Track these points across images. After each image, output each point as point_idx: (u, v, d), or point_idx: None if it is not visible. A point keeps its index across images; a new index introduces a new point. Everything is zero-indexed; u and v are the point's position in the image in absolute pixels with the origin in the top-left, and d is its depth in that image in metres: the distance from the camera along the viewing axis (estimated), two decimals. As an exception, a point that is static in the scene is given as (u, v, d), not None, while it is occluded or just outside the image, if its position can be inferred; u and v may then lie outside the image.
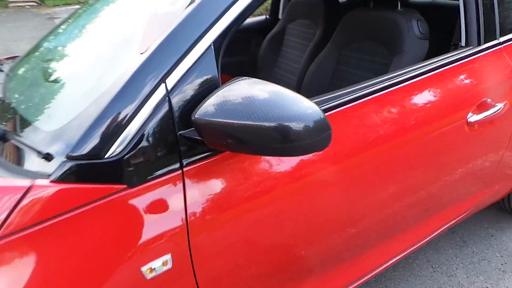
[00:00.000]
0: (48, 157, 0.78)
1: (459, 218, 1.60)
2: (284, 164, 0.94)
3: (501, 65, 1.41)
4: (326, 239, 1.13)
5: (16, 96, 1.06)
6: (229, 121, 0.75)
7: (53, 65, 1.11)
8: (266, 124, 0.73)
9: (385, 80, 1.15)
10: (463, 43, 1.40)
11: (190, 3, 0.88)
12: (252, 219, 0.93)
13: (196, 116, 0.78)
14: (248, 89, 0.77)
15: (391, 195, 1.24)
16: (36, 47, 1.36)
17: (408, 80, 1.20)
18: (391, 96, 1.15)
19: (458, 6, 1.40)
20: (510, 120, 1.45)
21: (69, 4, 16.49)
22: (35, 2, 17.10)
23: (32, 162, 0.80)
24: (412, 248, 1.45)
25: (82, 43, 1.16)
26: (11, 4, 16.83)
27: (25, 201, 0.72)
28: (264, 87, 0.78)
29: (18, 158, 0.82)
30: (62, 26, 1.41)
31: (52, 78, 1.04)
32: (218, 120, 0.76)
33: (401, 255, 1.41)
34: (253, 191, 0.91)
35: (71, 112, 0.83)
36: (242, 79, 0.80)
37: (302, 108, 0.74)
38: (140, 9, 1.08)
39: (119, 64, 0.89)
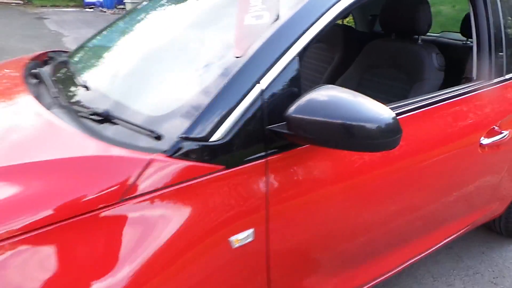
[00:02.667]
0: (159, 136, 0.91)
1: (460, 232, 1.79)
2: (354, 159, 1.11)
3: (506, 98, 1.64)
4: (377, 228, 1.29)
5: (118, 82, 1.18)
6: (315, 118, 0.90)
7: (152, 58, 1.24)
8: (346, 122, 0.89)
9: (409, 104, 1.32)
10: (475, 77, 1.62)
11: (276, 20, 1.05)
12: (322, 205, 1.08)
13: (289, 113, 0.93)
14: (332, 94, 0.93)
15: (411, 205, 1.42)
16: (109, 37, 1.49)
17: (431, 105, 1.39)
18: (416, 117, 1.33)
19: (464, 45, 1.63)
20: (511, 146, 1.67)
21: (57, 6, 16.38)
22: (21, 0, 16.89)
23: (142, 140, 0.92)
24: (423, 254, 1.62)
25: (173, 39, 1.30)
26: (-3, 1, 16.56)
27: (147, 171, 0.84)
28: (345, 93, 0.94)
29: (127, 136, 0.94)
30: (136, 18, 1.55)
31: (155, 69, 1.17)
32: (307, 117, 0.91)
33: (416, 258, 1.58)
34: (325, 181, 1.06)
35: (177, 101, 0.97)
36: (328, 86, 0.96)
37: (376, 112, 0.90)
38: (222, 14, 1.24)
39: (215, 63, 1.04)
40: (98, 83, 1.19)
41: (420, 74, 1.70)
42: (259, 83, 0.96)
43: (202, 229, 0.89)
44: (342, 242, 1.24)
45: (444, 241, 1.73)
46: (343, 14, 1.11)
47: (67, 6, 16.62)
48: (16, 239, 0.73)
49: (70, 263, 0.76)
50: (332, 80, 2.12)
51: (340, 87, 0.96)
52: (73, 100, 1.12)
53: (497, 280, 1.94)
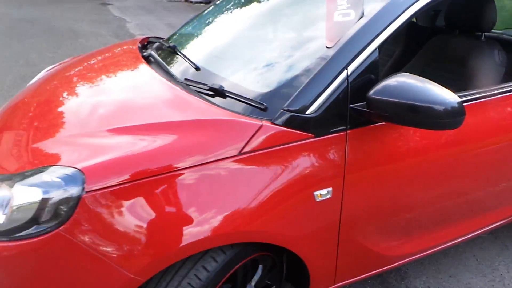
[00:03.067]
0: (265, 108, 1.16)
1: (509, 219, 1.92)
2: (421, 139, 1.31)
3: None
4: (436, 203, 1.50)
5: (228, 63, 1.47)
6: (392, 99, 1.11)
7: (256, 43, 1.52)
8: (417, 103, 1.09)
9: (470, 95, 1.48)
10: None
11: (361, 18, 1.26)
12: (389, 177, 1.29)
13: (369, 94, 1.15)
14: (407, 80, 1.14)
15: (467, 184, 1.59)
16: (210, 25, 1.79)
17: (490, 97, 1.53)
18: (476, 107, 1.48)
19: None
20: None
21: (118, -8, 17.27)
22: (86, -14, 17.96)
23: (251, 110, 1.18)
24: (475, 233, 1.77)
25: (272, 29, 1.56)
26: (65, -14, 17.75)
27: (259, 133, 1.10)
28: (416, 79, 1.14)
29: (238, 107, 1.21)
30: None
31: (260, 53, 1.44)
32: (385, 98, 1.12)
33: (469, 236, 1.74)
34: (394, 156, 1.28)
35: (279, 81, 1.22)
36: (402, 74, 1.16)
37: (444, 95, 1.09)
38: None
39: (310, 51, 1.28)
40: (206, 64, 1.47)
41: (481, 69, 1.83)
42: (346, 69, 1.18)
43: (295, 181, 1.14)
44: (404, 212, 1.45)
45: (494, 224, 1.86)
46: (418, 13, 1.30)
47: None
48: (176, 172, 1.02)
49: (207, 196, 1.05)
50: (394, 71, 2.28)
51: (413, 75, 1.16)
52: (188, 77, 1.40)
53: (543, 269, 2.04)
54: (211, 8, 2.09)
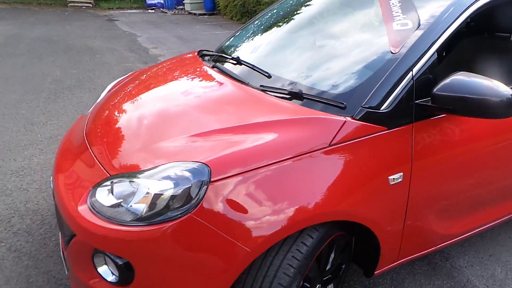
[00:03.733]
0: (344, 106, 1.36)
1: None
2: (476, 129, 1.51)
3: None
4: (488, 185, 1.71)
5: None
6: (456, 94, 1.31)
7: (327, 51, 1.74)
8: (475, 97, 1.29)
9: None
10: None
11: (418, 27, 1.47)
12: (451, 163, 1.49)
13: (434, 91, 1.35)
14: (466, 77, 1.34)
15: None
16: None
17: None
18: None
19: None
20: None
21: (122, 8, 17.65)
22: (90, 3, 18.38)
23: (330, 109, 1.38)
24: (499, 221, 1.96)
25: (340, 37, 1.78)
26: (70, 4, 18.15)
27: (344, 127, 1.30)
28: (475, 76, 1.33)
29: (317, 106, 1.41)
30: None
31: (333, 60, 1.66)
32: (449, 94, 1.32)
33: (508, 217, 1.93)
34: (454, 144, 1.48)
35: (354, 83, 1.42)
36: (462, 72, 1.36)
37: (500, 89, 1.29)
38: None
39: (380, 57, 1.48)
40: (276, 71, 1.68)
41: (509, 66, 2.03)
42: (411, 71, 1.39)
43: (374, 167, 1.34)
44: (458, 195, 1.64)
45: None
46: (465, 22, 1.50)
47: (131, 8, 17.85)
48: (280, 163, 1.22)
49: (305, 182, 1.24)
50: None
51: (469, 73, 1.36)
52: (263, 84, 1.60)
53: None
54: (262, 17, 2.31)
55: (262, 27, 2.26)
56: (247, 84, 1.65)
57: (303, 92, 1.46)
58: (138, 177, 1.23)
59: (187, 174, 1.17)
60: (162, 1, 17.37)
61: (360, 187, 1.32)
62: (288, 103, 1.45)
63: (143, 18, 14.47)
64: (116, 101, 1.88)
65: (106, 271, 1.27)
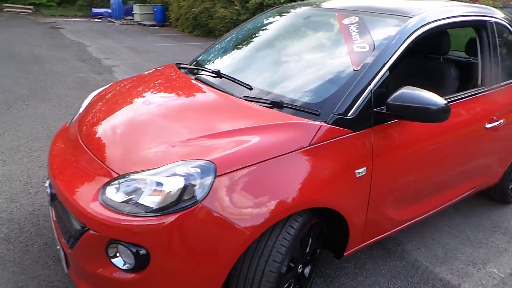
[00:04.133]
0: (319, 113, 1.65)
1: (472, 191, 2.56)
2: (429, 129, 1.88)
3: (501, 98, 2.43)
4: (434, 177, 2.12)
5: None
6: (403, 103, 1.66)
7: (294, 66, 2.03)
8: (419, 105, 1.64)
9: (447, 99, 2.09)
10: (480, 84, 2.40)
11: (373, 50, 1.81)
12: (402, 159, 1.83)
13: (389, 101, 1.68)
14: (412, 90, 1.69)
15: (448, 163, 2.19)
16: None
17: (454, 102, 2.15)
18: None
19: (468, 62, 2.42)
20: (505, 131, 2.46)
21: (66, 16, 16.99)
22: (30, 9, 17.46)
23: (304, 116, 1.66)
24: (454, 200, 2.39)
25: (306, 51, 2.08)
26: (6, 9, 17.09)
27: (320, 130, 1.59)
28: (419, 90, 1.69)
29: (296, 113, 1.68)
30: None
31: (305, 75, 1.95)
32: (400, 103, 1.66)
33: (451, 202, 2.35)
34: (404, 144, 1.83)
35: (325, 94, 1.72)
36: (409, 87, 1.70)
37: (437, 100, 1.66)
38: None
39: (344, 74, 1.80)
40: (258, 83, 1.94)
41: (443, 82, 2.47)
42: (370, 85, 1.71)
43: (343, 163, 1.64)
44: (409, 186, 2.00)
45: (462, 196, 2.48)
46: (408, 46, 1.88)
47: (75, 16, 17.24)
48: (270, 160, 1.47)
49: (290, 176, 1.50)
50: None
51: (414, 87, 1.71)
52: (249, 95, 1.85)
53: (496, 229, 2.71)
54: (237, 33, 2.58)
55: (236, 43, 2.52)
56: (231, 95, 1.89)
57: (283, 101, 1.73)
58: (146, 175, 1.41)
59: (197, 170, 1.38)
60: (109, 11, 17.01)
61: (334, 179, 1.61)
62: (271, 111, 1.71)
63: (90, 27, 14.07)
64: (108, 107, 2.02)
65: (119, 261, 1.42)
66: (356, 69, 1.76)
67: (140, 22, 15.54)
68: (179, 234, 1.35)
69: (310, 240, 1.79)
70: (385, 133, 1.79)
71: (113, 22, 15.93)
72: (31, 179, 2.93)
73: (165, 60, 8.39)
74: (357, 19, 2.05)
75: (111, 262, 1.42)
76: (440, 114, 1.66)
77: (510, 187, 2.92)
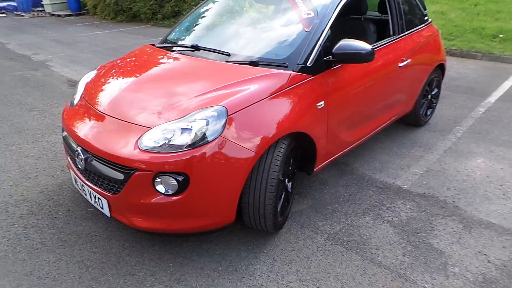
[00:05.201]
0: (286, 66, 2.24)
1: (394, 118, 3.38)
2: (362, 70, 2.56)
3: (406, 44, 3.24)
4: (366, 109, 2.83)
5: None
6: (344, 51, 2.31)
7: (262, 32, 2.57)
8: (354, 51, 2.31)
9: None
10: (391, 34, 3.18)
11: (317, 15, 2.43)
12: (348, 94, 2.52)
13: (334, 51, 2.32)
14: (349, 41, 2.34)
15: (376, 97, 2.94)
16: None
17: (377, 48, 2.88)
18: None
19: (381, 19, 3.19)
20: (412, 68, 3.28)
21: None
22: None
23: (277, 69, 2.25)
24: (380, 127, 3.16)
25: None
26: None
27: (290, 77, 2.19)
28: (353, 41, 2.35)
29: (270, 67, 2.26)
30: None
31: (270, 38, 2.50)
32: (340, 51, 2.32)
33: (378, 129, 3.12)
34: (348, 82, 2.51)
35: (289, 51, 2.31)
36: (346, 39, 2.35)
37: (365, 46, 2.34)
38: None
39: (298, 34, 2.39)
40: (232, 50, 2.46)
41: (365, 35, 3.21)
42: (319, 40, 2.34)
43: (308, 99, 2.26)
44: (353, 114, 2.70)
45: (387, 122, 3.29)
46: (339, 10, 2.53)
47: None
48: (261, 100, 2.03)
49: (275, 112, 2.09)
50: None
51: (350, 39, 2.37)
52: (229, 60, 2.38)
53: (414, 144, 3.58)
54: (197, 11, 3.08)
55: (201, 20, 3.01)
56: (216, 61, 2.41)
57: (259, 61, 2.29)
58: (173, 123, 1.91)
59: (214, 113, 1.91)
60: (13, 4, 15.66)
61: (304, 111, 2.24)
62: (251, 68, 2.27)
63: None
64: (114, 82, 2.42)
65: (162, 188, 1.91)
66: (307, 30, 2.37)
67: (53, 13, 14.58)
68: (209, 160, 1.88)
69: (291, 161, 2.41)
70: (333, 75, 2.45)
71: (22, 16, 14.78)
72: (24, 167, 3.17)
73: (100, 49, 8.34)
74: (300, -9, 2.66)
75: (158, 191, 1.91)
76: (368, 56, 2.34)
77: (421, 113, 3.82)
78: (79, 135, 2.17)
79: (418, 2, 3.63)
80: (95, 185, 2.15)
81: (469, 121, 4.06)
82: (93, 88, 2.52)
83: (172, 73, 2.46)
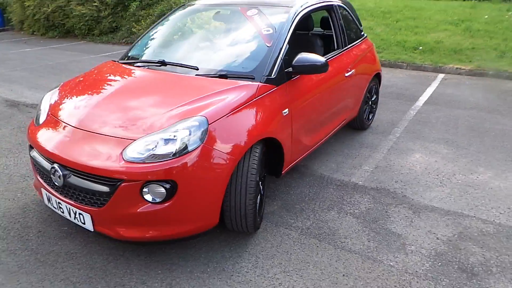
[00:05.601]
0: (253, 78, 2.46)
1: (344, 122, 3.75)
2: (316, 80, 2.86)
3: (350, 56, 3.64)
4: (322, 114, 3.11)
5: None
6: (301, 64, 2.59)
7: (227, 47, 2.75)
8: (312, 63, 2.60)
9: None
10: (336, 48, 3.56)
11: (275, 31, 2.69)
12: (307, 101, 2.80)
13: (293, 63, 2.59)
14: (305, 55, 2.63)
15: (329, 104, 3.26)
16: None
17: (329, 59, 3.22)
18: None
19: (325, 34, 3.57)
20: (355, 77, 3.68)
21: None
22: None
23: (246, 80, 2.45)
24: (332, 132, 3.50)
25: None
26: None
27: (258, 88, 2.41)
28: (310, 54, 2.64)
29: (238, 79, 2.45)
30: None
31: (236, 52, 2.68)
32: (298, 64, 2.59)
33: (330, 134, 3.45)
34: (306, 90, 2.79)
35: (254, 64, 2.53)
36: (302, 52, 2.64)
37: (320, 59, 2.64)
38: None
39: (261, 48, 2.62)
40: (201, 65, 2.62)
41: (314, 49, 3.55)
42: (280, 53, 2.59)
43: (275, 107, 2.49)
44: (313, 119, 2.98)
45: (338, 127, 3.64)
46: (293, 26, 2.82)
47: None
48: (235, 111, 2.22)
49: (247, 121, 2.28)
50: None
51: (307, 52, 2.65)
52: (199, 73, 2.53)
53: (361, 145, 3.99)
54: (157, 28, 3.19)
55: (162, 36, 3.12)
56: (185, 74, 2.55)
57: (227, 74, 2.48)
58: (156, 135, 2.02)
59: (195, 123, 2.05)
60: None
61: (272, 118, 2.46)
62: (221, 80, 2.44)
63: None
64: (86, 97, 2.46)
65: (150, 198, 2.00)
66: (268, 45, 2.62)
67: (-27, 30, 13.49)
68: (195, 167, 2.01)
69: (263, 164, 2.61)
70: (293, 85, 2.71)
71: None
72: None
73: (35, 67, 7.91)
74: (257, 11, 2.90)
75: (146, 200, 1.99)
76: (323, 67, 2.64)
77: (364, 117, 4.26)
78: (55, 152, 2.17)
79: (355, 19, 4.09)
80: (75, 201, 2.16)
81: (404, 123, 4.60)
82: (62, 105, 2.51)
83: (144, 87, 2.55)
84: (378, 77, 4.39)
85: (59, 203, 2.25)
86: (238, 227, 2.34)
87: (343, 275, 2.16)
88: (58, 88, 2.81)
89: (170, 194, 2.00)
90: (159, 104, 2.30)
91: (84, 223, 2.16)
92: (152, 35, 3.25)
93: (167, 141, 2.01)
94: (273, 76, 2.52)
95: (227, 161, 2.12)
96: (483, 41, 7.78)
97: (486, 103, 5.33)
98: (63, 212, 2.26)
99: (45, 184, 2.34)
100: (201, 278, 2.13)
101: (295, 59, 2.61)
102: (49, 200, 2.33)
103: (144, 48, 3.13)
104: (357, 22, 4.13)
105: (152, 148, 2.00)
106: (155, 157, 1.98)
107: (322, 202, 2.92)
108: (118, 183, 1.98)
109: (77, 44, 11.09)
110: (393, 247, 2.40)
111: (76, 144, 2.16)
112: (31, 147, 2.48)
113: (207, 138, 2.06)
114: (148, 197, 2.00)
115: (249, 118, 2.31)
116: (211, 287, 2.06)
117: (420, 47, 7.71)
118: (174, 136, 2.01)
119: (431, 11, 9.89)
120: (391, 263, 2.26)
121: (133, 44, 3.27)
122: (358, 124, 4.24)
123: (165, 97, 2.38)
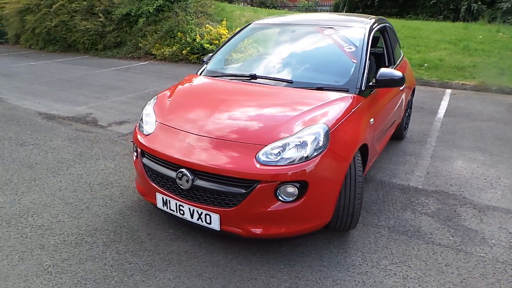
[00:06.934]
0: (347, 90, 2.73)
1: (395, 130, 4.07)
2: (384, 92, 3.16)
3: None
4: (389, 120, 3.42)
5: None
6: (386, 77, 2.89)
7: (322, 62, 3.01)
8: (392, 78, 2.91)
9: None
10: (387, 64, 3.90)
11: (357, 48, 2.99)
12: (380, 111, 3.11)
13: (377, 77, 2.88)
14: (385, 70, 2.93)
15: (390, 114, 3.58)
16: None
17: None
18: None
19: (381, 53, 3.93)
20: (404, 91, 4.02)
21: None
22: None
23: (339, 92, 2.72)
24: (389, 139, 3.81)
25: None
26: None
27: (353, 99, 2.68)
28: (388, 70, 2.95)
29: (335, 91, 2.72)
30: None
31: (331, 67, 2.95)
32: (382, 78, 2.89)
33: (388, 140, 3.75)
34: (383, 101, 3.09)
35: (346, 78, 2.81)
36: (383, 68, 2.94)
37: (399, 73, 2.95)
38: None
39: (350, 64, 2.91)
40: (294, 77, 2.88)
41: (371, 65, 3.88)
42: (365, 69, 2.88)
43: (366, 116, 2.76)
44: (382, 128, 3.27)
45: (393, 134, 3.95)
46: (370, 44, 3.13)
47: None
48: (343, 120, 2.48)
49: (352, 127, 2.54)
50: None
51: (387, 67, 2.96)
52: (297, 86, 2.79)
53: (406, 153, 4.31)
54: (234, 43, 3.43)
55: (243, 49, 3.35)
56: (281, 87, 2.80)
57: (322, 86, 2.75)
58: (289, 139, 2.25)
59: (320, 130, 2.29)
60: None
61: (366, 127, 2.73)
62: (320, 92, 2.71)
63: None
64: (202, 107, 2.69)
65: (282, 197, 2.20)
66: (354, 62, 2.91)
67: (-34, 43, 13.22)
68: (322, 168, 2.23)
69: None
70: (374, 97, 3.00)
71: None
72: (67, 200, 3.07)
73: (49, 80, 7.92)
74: (333, 31, 3.20)
75: (279, 199, 2.20)
76: (402, 81, 2.95)
77: (403, 127, 4.61)
78: (183, 158, 2.33)
79: (397, 38, 4.48)
80: (203, 202, 2.32)
81: (434, 133, 4.98)
82: (172, 115, 2.69)
83: (250, 98, 2.78)
84: (413, 91, 4.77)
85: (180, 205, 2.41)
86: (342, 225, 2.56)
87: (445, 265, 2.42)
88: (155, 99, 2.98)
89: (301, 193, 2.21)
90: (276, 112, 2.54)
91: (209, 223, 2.33)
92: (229, 50, 3.48)
93: (296, 145, 2.24)
94: (363, 88, 2.80)
95: (344, 164, 2.36)
96: (481, 59, 8.43)
97: (499, 115, 5.82)
98: (183, 214, 2.42)
99: (161, 189, 2.49)
100: (322, 271, 2.33)
101: (378, 73, 2.91)
102: (165, 203, 2.48)
103: (225, 63, 3.35)
104: (398, 41, 4.51)
105: (281, 152, 2.21)
106: (285, 159, 2.20)
107: (393, 204, 3.19)
108: (255, 185, 2.17)
109: (80, 58, 11.08)
110: (475, 241, 2.68)
111: (204, 150, 2.34)
112: (142, 154, 2.63)
113: (330, 142, 2.30)
114: (281, 196, 2.21)
115: (354, 125, 2.57)
116: (335, 279, 2.27)
117: (425, 64, 8.25)
118: (303, 141, 2.24)
119: (428, 31, 10.58)
120: (481, 254, 2.53)
121: (209, 58, 3.48)
122: (398, 133, 4.57)
123: (277, 106, 2.61)
